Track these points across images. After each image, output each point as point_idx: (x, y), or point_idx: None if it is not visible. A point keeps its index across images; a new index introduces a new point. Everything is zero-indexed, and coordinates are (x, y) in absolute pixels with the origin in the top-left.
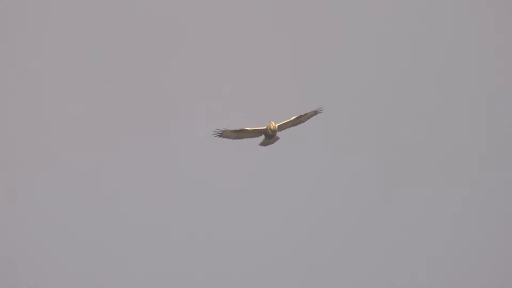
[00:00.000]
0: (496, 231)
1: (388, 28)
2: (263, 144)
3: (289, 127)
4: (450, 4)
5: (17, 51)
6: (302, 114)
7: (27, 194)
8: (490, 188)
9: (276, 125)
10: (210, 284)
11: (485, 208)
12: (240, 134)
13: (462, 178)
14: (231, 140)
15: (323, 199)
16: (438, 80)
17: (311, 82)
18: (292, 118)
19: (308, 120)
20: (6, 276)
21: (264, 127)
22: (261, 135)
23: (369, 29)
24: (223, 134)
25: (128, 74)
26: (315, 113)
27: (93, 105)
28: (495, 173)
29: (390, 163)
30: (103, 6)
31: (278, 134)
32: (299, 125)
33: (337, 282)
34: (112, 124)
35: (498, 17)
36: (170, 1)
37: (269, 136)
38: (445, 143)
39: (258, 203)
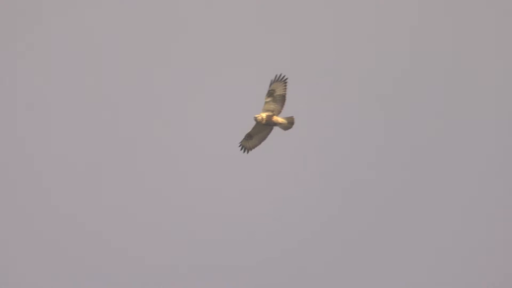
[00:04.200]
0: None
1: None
2: (285, 128)
3: (279, 108)
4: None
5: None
6: (267, 91)
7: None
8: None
9: (261, 114)
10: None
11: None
12: (256, 137)
13: None
14: (262, 144)
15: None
16: None
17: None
18: (266, 100)
19: (287, 91)
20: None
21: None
22: (270, 127)
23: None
24: (245, 146)
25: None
26: (283, 82)
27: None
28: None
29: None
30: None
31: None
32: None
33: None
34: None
35: None
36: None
37: (275, 124)
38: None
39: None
